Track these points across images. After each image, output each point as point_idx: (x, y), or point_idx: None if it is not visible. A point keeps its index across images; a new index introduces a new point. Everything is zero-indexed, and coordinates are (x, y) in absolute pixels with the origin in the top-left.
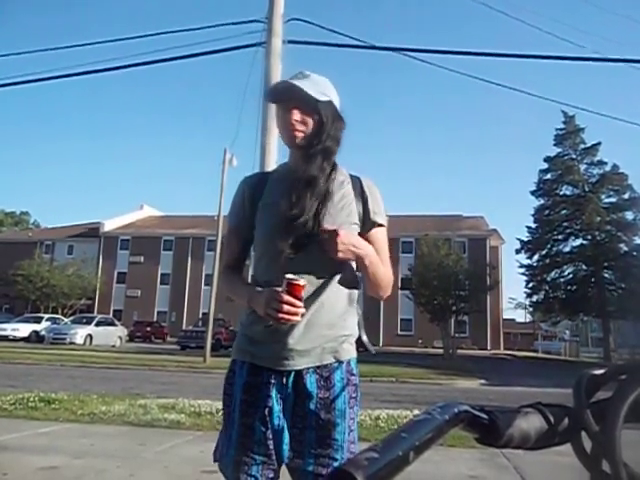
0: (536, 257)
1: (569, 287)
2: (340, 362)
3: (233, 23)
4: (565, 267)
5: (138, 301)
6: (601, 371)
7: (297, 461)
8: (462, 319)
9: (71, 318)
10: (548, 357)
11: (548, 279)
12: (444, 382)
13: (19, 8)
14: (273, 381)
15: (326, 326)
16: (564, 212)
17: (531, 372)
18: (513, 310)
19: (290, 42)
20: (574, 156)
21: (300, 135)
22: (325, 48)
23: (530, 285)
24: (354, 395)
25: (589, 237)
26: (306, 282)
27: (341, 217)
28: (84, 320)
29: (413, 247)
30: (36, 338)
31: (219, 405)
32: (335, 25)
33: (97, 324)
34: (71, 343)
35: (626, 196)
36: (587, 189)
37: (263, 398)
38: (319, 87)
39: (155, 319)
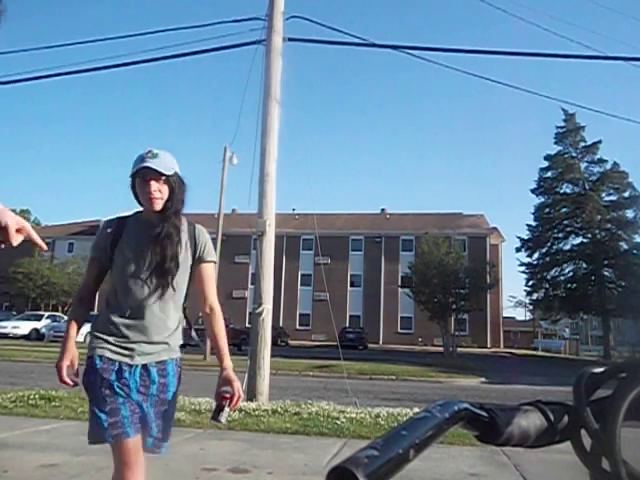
0: (536, 255)
1: (569, 285)
2: (171, 358)
3: (234, 21)
4: (565, 265)
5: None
6: (601, 369)
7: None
8: (462, 317)
9: None
10: (548, 355)
11: (548, 277)
12: (444, 380)
13: (19, 8)
14: (126, 369)
15: (166, 334)
16: (564, 210)
17: (531, 370)
18: (513, 308)
19: (290, 40)
20: (574, 154)
21: (157, 202)
22: (325, 46)
23: (530, 283)
24: (179, 382)
25: (589, 235)
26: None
27: (187, 257)
28: None
29: (413, 245)
30: (36, 336)
31: None
32: (335, 23)
33: None
34: None
35: (626, 194)
36: (587, 187)
37: (121, 378)
38: (167, 163)
39: None
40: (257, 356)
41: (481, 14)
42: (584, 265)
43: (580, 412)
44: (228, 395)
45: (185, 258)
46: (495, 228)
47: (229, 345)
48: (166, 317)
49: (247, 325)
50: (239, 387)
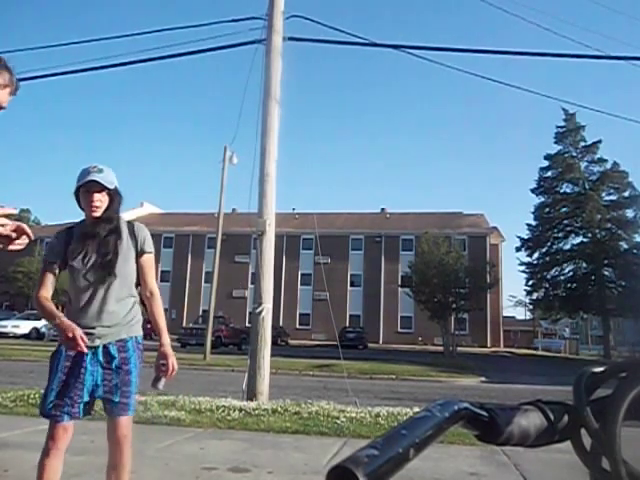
0: (536, 255)
1: (569, 285)
2: (130, 337)
3: (234, 20)
4: (565, 265)
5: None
6: (601, 369)
7: (108, 395)
8: (462, 317)
9: None
10: (548, 355)
11: (548, 277)
12: (444, 379)
13: (22, 6)
14: (90, 352)
15: (119, 318)
16: (564, 210)
17: (531, 370)
18: (513, 308)
19: (290, 39)
20: (574, 154)
21: (98, 210)
22: (326, 46)
23: (530, 283)
24: (141, 356)
25: (589, 235)
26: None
27: (130, 250)
28: None
29: (413, 245)
30: (36, 335)
31: (219, 402)
32: (335, 23)
33: None
34: None
35: (626, 194)
36: (587, 187)
37: (79, 362)
38: (109, 178)
39: None
40: (257, 355)
41: (481, 14)
42: (584, 265)
43: (580, 412)
44: (164, 368)
45: (128, 250)
46: (495, 228)
47: (229, 345)
48: (117, 302)
49: (247, 324)
50: (174, 362)
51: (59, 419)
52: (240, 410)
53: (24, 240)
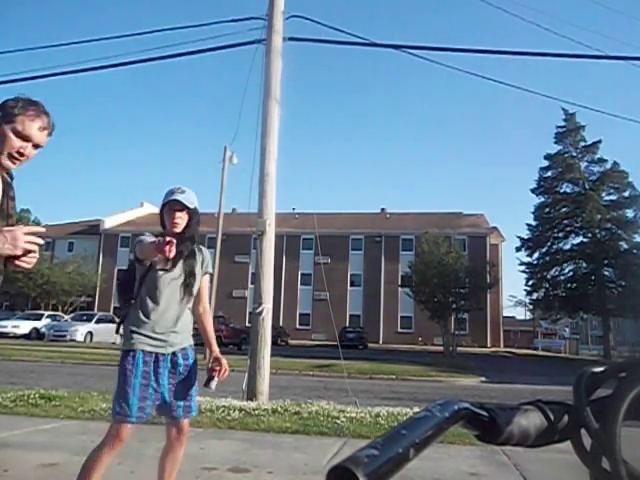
0: (536, 255)
1: (569, 285)
2: (190, 345)
3: (233, 20)
4: (565, 265)
5: None
6: (601, 369)
7: (176, 399)
8: (462, 317)
9: (71, 315)
10: (548, 355)
11: (548, 277)
12: (444, 379)
13: (22, 5)
14: (162, 359)
15: (185, 329)
16: (564, 210)
17: (531, 370)
18: (513, 308)
19: (290, 39)
20: (574, 154)
21: (179, 226)
22: (327, 46)
23: (530, 283)
24: (196, 360)
25: (589, 235)
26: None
27: (200, 269)
28: (84, 317)
29: (413, 245)
30: (36, 335)
31: (219, 402)
32: (335, 22)
33: (97, 321)
34: (71, 340)
35: (626, 194)
36: (587, 187)
37: (156, 369)
38: (190, 198)
39: None
40: (257, 355)
41: (481, 14)
42: (584, 265)
43: (580, 412)
44: (217, 369)
45: (199, 270)
46: (495, 228)
47: (229, 345)
48: (185, 315)
49: (247, 324)
50: (225, 363)
51: (132, 421)
52: (240, 410)
53: (32, 259)
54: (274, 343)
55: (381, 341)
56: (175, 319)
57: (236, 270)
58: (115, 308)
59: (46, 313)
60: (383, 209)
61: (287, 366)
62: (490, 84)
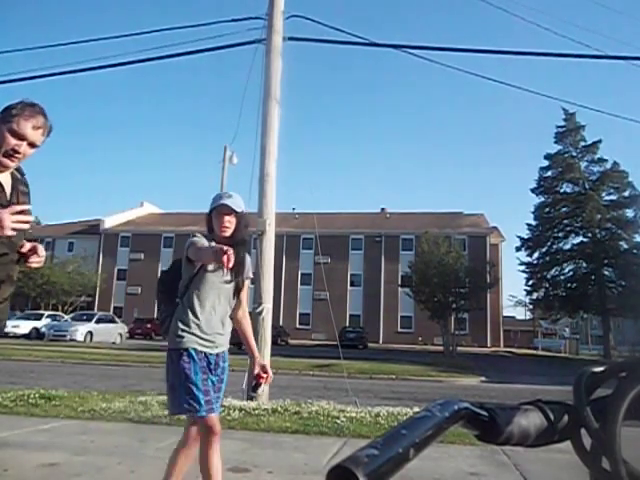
0: (536, 255)
1: (569, 285)
2: (227, 348)
3: (234, 20)
4: (565, 265)
5: (138, 298)
6: (601, 369)
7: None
8: (462, 316)
9: (71, 315)
10: (548, 354)
11: (548, 277)
12: (444, 379)
13: (21, 5)
14: (210, 357)
15: (227, 332)
16: (564, 210)
17: (531, 369)
18: (513, 307)
19: (290, 39)
20: (574, 154)
21: (228, 230)
22: (327, 46)
23: (530, 282)
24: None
25: (589, 235)
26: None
27: (249, 274)
28: (84, 317)
29: (413, 244)
30: (36, 335)
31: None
32: (335, 22)
33: (97, 321)
34: (71, 340)
35: (626, 194)
36: (587, 187)
37: (207, 366)
38: (238, 203)
39: (155, 316)
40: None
41: (481, 13)
42: (584, 264)
43: (580, 411)
44: (264, 375)
45: (244, 276)
46: (495, 227)
47: (229, 344)
48: (228, 319)
49: None
50: (270, 370)
51: (214, 411)
52: (240, 410)
53: (41, 258)
54: (274, 343)
55: (381, 341)
56: (221, 321)
57: None
58: (115, 308)
59: (46, 313)
60: (383, 209)
61: (287, 366)
62: (490, 84)
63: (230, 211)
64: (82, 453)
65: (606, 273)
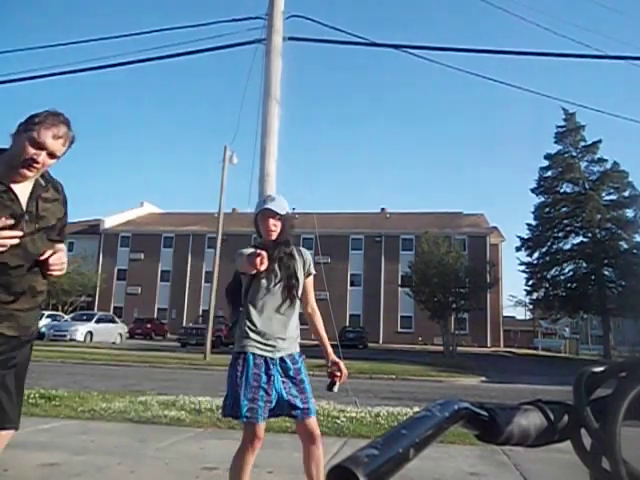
0: (536, 255)
1: (569, 285)
2: (297, 350)
3: (234, 20)
4: (565, 265)
5: (138, 298)
6: (601, 369)
7: (291, 401)
8: (462, 316)
9: (71, 315)
10: (548, 354)
11: (548, 276)
12: (444, 379)
13: (19, 4)
14: (271, 362)
15: (292, 334)
16: (564, 210)
17: (531, 369)
18: (513, 307)
19: (290, 39)
20: (574, 154)
21: (273, 233)
22: (325, 45)
23: (530, 282)
24: (305, 367)
25: (589, 235)
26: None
27: (301, 273)
28: (84, 317)
29: (413, 244)
30: (36, 335)
31: (219, 402)
32: (335, 22)
33: (97, 321)
34: (71, 340)
35: (626, 194)
36: (587, 187)
37: (267, 371)
38: (281, 205)
39: (155, 316)
40: None
41: (481, 13)
42: (584, 264)
43: (580, 411)
44: (338, 373)
45: (300, 273)
46: (495, 227)
47: (229, 344)
48: (291, 320)
49: None
50: (344, 367)
51: (254, 420)
52: None
53: (62, 266)
54: None
55: (381, 341)
56: (281, 325)
57: None
58: (115, 308)
59: (46, 313)
60: (383, 209)
61: None
62: (490, 84)
63: (274, 214)
64: (82, 453)
65: (606, 273)
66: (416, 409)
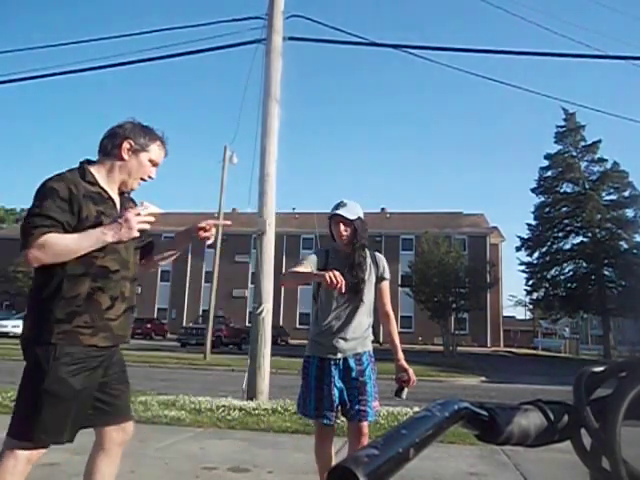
0: (536, 254)
1: (569, 284)
2: (364, 351)
3: (234, 20)
4: (565, 264)
5: (138, 298)
6: (601, 368)
7: (349, 402)
8: (462, 316)
9: None
10: (548, 354)
11: (548, 276)
12: (444, 379)
13: (19, 4)
14: (332, 363)
15: (358, 334)
16: (564, 209)
17: (531, 369)
18: (513, 307)
19: (290, 39)
20: (575, 153)
21: (345, 238)
22: (325, 45)
23: (530, 282)
24: (374, 367)
25: (589, 234)
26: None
27: (372, 276)
28: None
29: (413, 244)
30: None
31: (219, 402)
32: (335, 22)
33: None
34: None
35: (626, 193)
36: (587, 186)
37: (329, 372)
38: (352, 210)
39: (155, 316)
40: (257, 355)
41: (481, 13)
42: (584, 264)
43: (580, 411)
44: (405, 379)
45: (370, 278)
46: (495, 227)
47: (229, 344)
48: (358, 322)
49: (247, 324)
50: (412, 373)
51: (322, 420)
52: (240, 410)
53: (173, 255)
54: (274, 343)
55: (381, 340)
56: (344, 326)
57: (236, 270)
58: None
59: None
60: (383, 208)
61: (287, 365)
62: (490, 84)
63: (344, 220)
64: (82, 453)
65: (606, 273)
66: (416, 409)
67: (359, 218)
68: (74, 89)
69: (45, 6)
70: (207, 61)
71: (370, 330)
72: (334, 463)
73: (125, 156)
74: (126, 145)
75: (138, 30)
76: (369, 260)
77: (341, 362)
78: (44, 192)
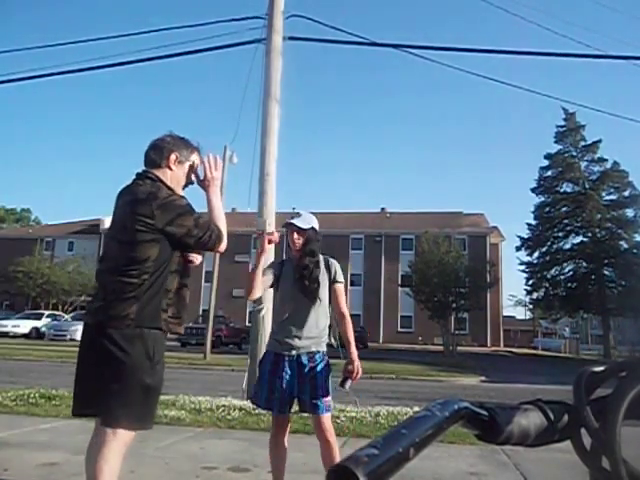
0: (536, 254)
1: (569, 284)
2: (319, 350)
3: (234, 19)
4: (565, 264)
5: None
6: (601, 368)
7: (301, 396)
8: (462, 316)
9: (71, 315)
10: (548, 354)
11: (548, 276)
12: (444, 379)
13: (18, 3)
14: (286, 359)
15: (311, 334)
16: (564, 209)
17: (531, 369)
18: (513, 307)
19: (290, 39)
20: (575, 153)
21: (296, 246)
22: (325, 45)
23: (530, 282)
24: (328, 366)
25: (589, 234)
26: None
27: (325, 279)
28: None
29: (413, 244)
30: (36, 335)
31: (219, 401)
32: (336, 22)
33: None
34: (71, 340)
35: (626, 193)
36: (587, 186)
37: (282, 367)
38: (305, 220)
39: None
40: (257, 355)
41: (481, 13)
42: (584, 264)
43: (580, 411)
44: (350, 369)
45: (323, 280)
46: (495, 227)
47: (229, 344)
48: (312, 322)
49: (247, 324)
50: (359, 366)
51: (272, 411)
52: (240, 409)
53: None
54: None
55: (381, 340)
56: (299, 325)
57: (236, 270)
58: None
59: (46, 312)
60: (383, 209)
61: None
62: (491, 84)
63: (297, 229)
64: (82, 453)
65: (606, 273)
66: (416, 409)
67: (312, 228)
68: (73, 89)
69: (44, 6)
70: (207, 61)
71: (326, 331)
72: (335, 463)
73: (173, 167)
74: (173, 157)
75: (137, 30)
76: (322, 265)
77: (295, 359)
78: (187, 204)
